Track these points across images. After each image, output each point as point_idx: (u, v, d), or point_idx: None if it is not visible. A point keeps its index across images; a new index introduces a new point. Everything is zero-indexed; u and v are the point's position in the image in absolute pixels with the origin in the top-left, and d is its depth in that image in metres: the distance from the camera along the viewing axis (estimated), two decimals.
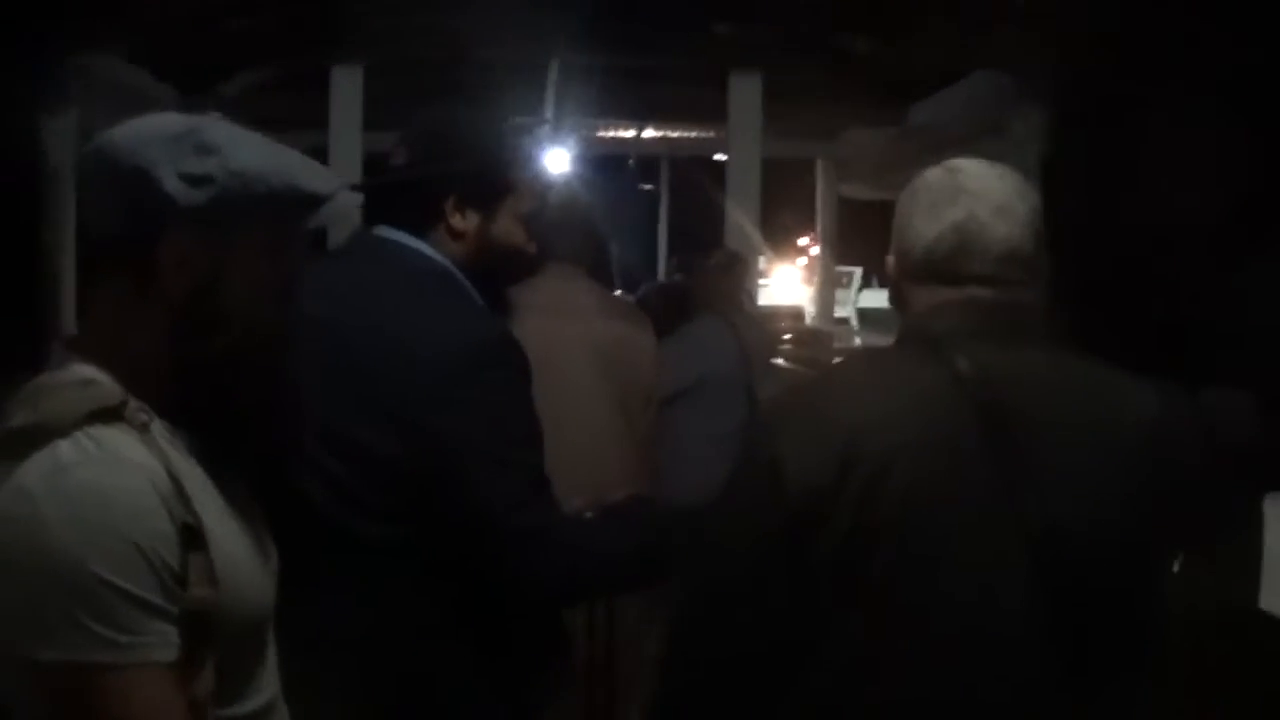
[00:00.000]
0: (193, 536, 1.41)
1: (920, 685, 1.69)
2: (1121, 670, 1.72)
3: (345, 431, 2.05)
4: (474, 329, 2.18)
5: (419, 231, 2.25)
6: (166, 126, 1.51)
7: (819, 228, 11.70)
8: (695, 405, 4.89)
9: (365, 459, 2.06)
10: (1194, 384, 1.99)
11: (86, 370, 1.47)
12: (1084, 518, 1.69)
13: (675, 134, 10.72)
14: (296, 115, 6.74)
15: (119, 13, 5.84)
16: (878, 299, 27.22)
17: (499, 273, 2.34)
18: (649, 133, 10.54)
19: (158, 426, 1.47)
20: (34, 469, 1.37)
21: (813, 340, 11.34)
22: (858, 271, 26.55)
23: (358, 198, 1.71)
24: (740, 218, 6.78)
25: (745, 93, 6.86)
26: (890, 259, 1.92)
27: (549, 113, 7.83)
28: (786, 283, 28.22)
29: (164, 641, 1.38)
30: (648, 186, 12.72)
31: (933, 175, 1.89)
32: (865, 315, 24.92)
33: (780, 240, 26.57)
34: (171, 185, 1.46)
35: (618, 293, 5.78)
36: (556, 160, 8.49)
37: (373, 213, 2.26)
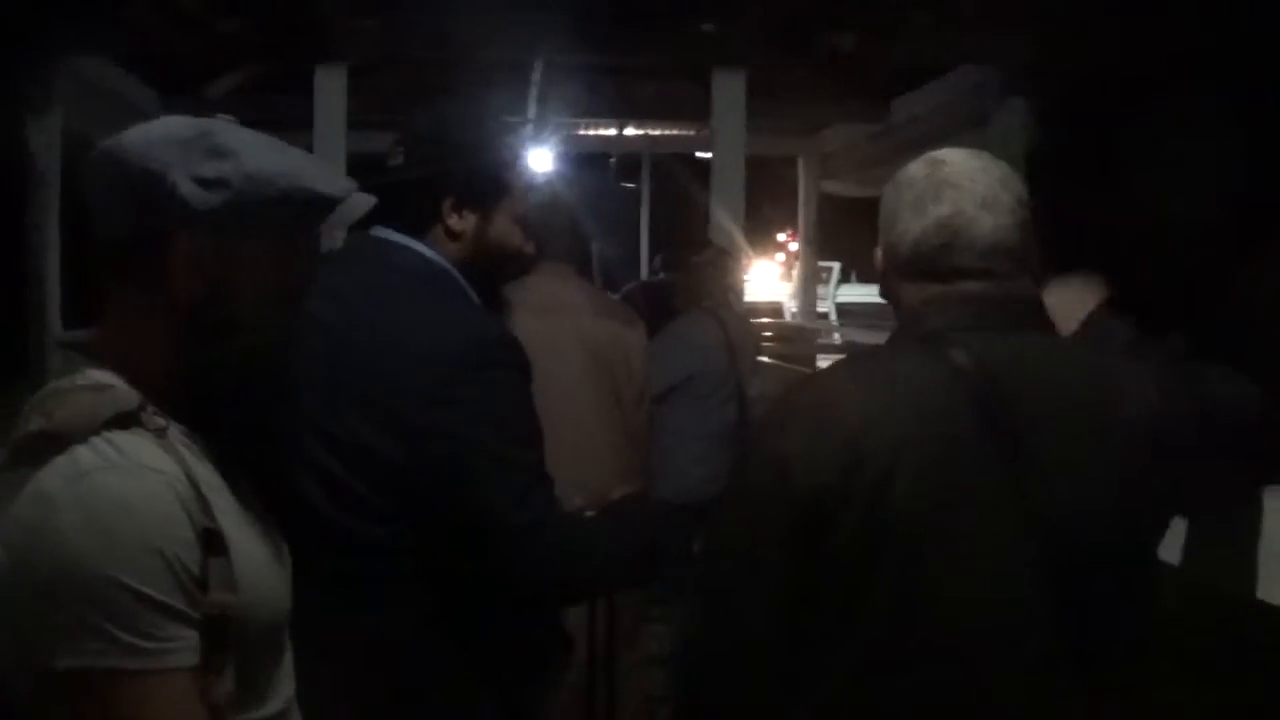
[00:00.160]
0: (213, 541, 1.40)
1: (931, 677, 1.69)
2: (1124, 654, 1.74)
3: (345, 432, 2.05)
4: (474, 329, 2.18)
5: (416, 232, 2.24)
6: (178, 130, 1.50)
7: (801, 224, 11.71)
8: (684, 402, 4.90)
9: (366, 459, 2.05)
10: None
11: (100, 374, 1.47)
12: (1087, 504, 1.70)
13: (657, 132, 10.71)
14: (280, 116, 6.73)
15: (103, 16, 5.82)
16: (855, 294, 27.27)
17: (496, 273, 2.34)
18: (630, 131, 10.53)
19: (174, 431, 1.46)
20: (53, 475, 1.36)
21: (797, 336, 11.34)
22: (836, 266, 26.58)
23: (370, 199, 1.70)
24: (725, 215, 6.78)
25: (729, 90, 6.84)
26: (878, 253, 1.91)
27: (532, 112, 7.83)
28: (765, 278, 28.23)
29: (185, 647, 1.37)
30: (630, 185, 12.69)
31: (916, 169, 1.88)
32: (844, 310, 24.96)
33: (759, 236, 26.61)
34: (186, 189, 1.45)
35: None
36: (539, 159, 8.49)
37: (370, 214, 2.26)
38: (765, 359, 8.50)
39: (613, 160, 11.66)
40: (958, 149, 1.91)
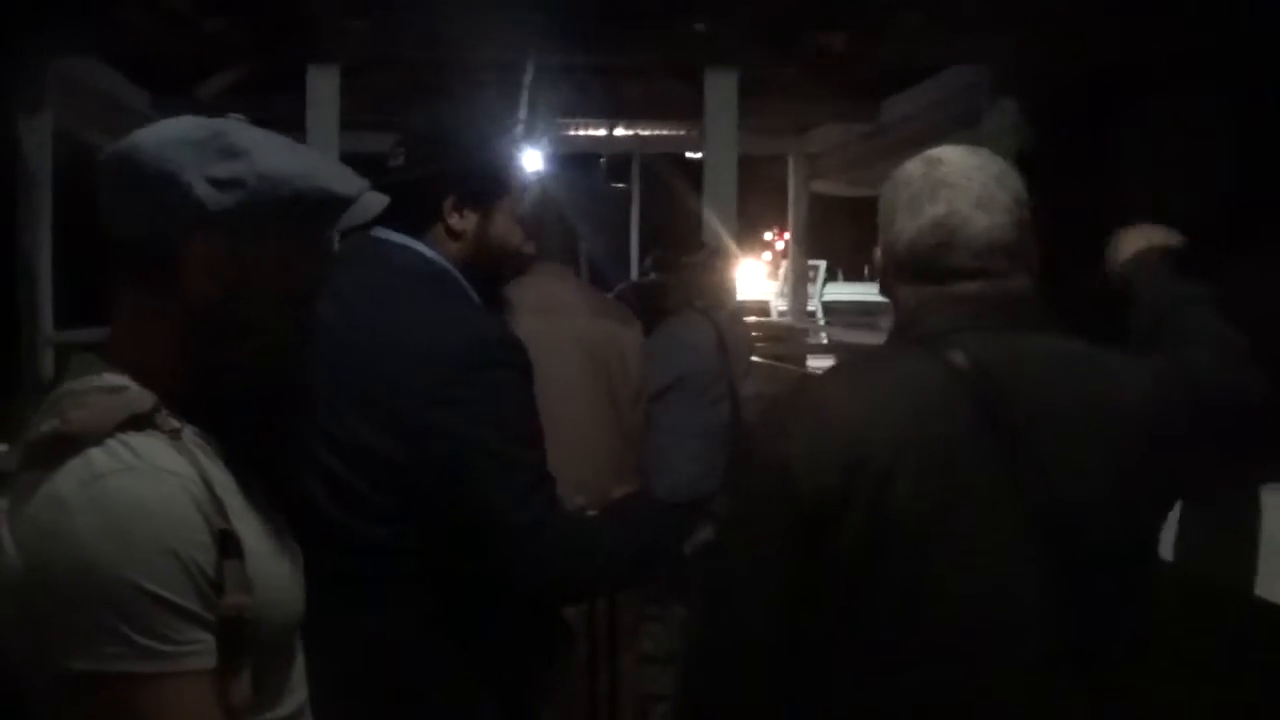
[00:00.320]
0: (228, 543, 1.40)
1: (933, 676, 1.69)
2: (1124, 652, 1.74)
3: (346, 432, 2.05)
4: (474, 328, 2.17)
5: (416, 232, 2.24)
6: (191, 130, 1.49)
7: (791, 224, 11.71)
8: (677, 401, 4.90)
9: (367, 459, 2.05)
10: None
11: (112, 376, 1.46)
12: (1086, 500, 1.70)
13: (647, 132, 10.71)
14: (273, 116, 6.72)
15: (94, 17, 5.82)
16: (841, 292, 27.29)
17: (496, 272, 2.34)
18: (620, 131, 10.53)
19: (188, 432, 1.46)
20: (69, 477, 1.35)
21: (787, 335, 11.35)
22: (822, 265, 26.58)
23: (382, 199, 1.70)
24: (716, 215, 6.78)
25: (721, 90, 6.84)
26: (878, 252, 1.92)
27: (523, 112, 7.82)
28: (752, 277, 28.26)
29: (202, 650, 1.37)
30: (620, 185, 12.68)
31: (913, 168, 1.88)
32: (829, 308, 24.97)
33: (746, 234, 26.64)
34: (201, 190, 1.45)
35: None
36: (530, 159, 8.48)
37: None
38: (756, 358, 8.51)
39: (603, 160, 11.65)
40: (955, 147, 1.91)
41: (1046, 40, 5.99)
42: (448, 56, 6.85)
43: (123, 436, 1.39)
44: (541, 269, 3.25)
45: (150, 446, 1.40)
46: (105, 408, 1.40)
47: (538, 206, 3.34)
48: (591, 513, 2.35)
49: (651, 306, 5.35)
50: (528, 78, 7.70)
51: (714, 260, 5.55)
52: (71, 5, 5.72)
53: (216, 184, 1.46)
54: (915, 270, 1.84)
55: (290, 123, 6.76)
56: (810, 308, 19.64)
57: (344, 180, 1.57)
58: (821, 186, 11.24)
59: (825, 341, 14.31)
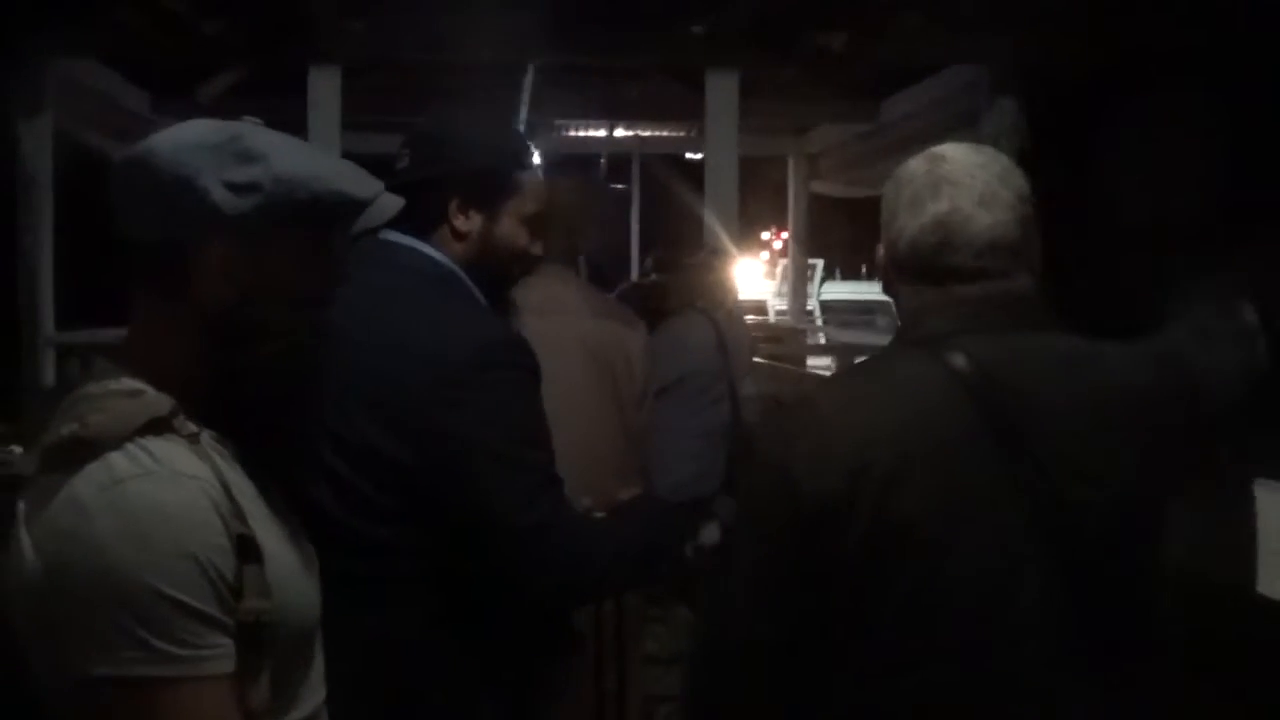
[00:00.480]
0: (247, 547, 1.40)
1: (938, 678, 1.69)
2: (1130, 652, 1.75)
3: (352, 433, 2.05)
4: (481, 330, 2.18)
5: (422, 234, 2.25)
6: (206, 134, 1.49)
7: (790, 224, 11.70)
8: (677, 401, 4.90)
9: (372, 460, 2.05)
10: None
11: (130, 380, 1.46)
12: (1089, 498, 1.70)
13: (647, 133, 10.71)
14: (273, 118, 6.71)
15: (93, 19, 5.82)
16: (838, 291, 27.27)
17: (502, 273, 2.34)
18: (620, 132, 10.53)
19: (206, 436, 1.46)
20: (88, 482, 1.35)
21: (787, 336, 11.33)
22: (819, 264, 26.55)
23: (399, 201, 1.69)
24: (717, 216, 6.78)
25: (722, 91, 6.83)
26: (880, 250, 1.91)
27: (524, 113, 7.82)
28: (749, 277, 28.24)
29: (222, 654, 1.37)
30: (619, 186, 12.70)
31: (915, 166, 1.87)
32: (827, 307, 24.95)
33: (743, 234, 26.58)
34: (217, 194, 1.45)
35: None
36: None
37: None
38: (757, 359, 8.51)
39: (602, 161, 11.66)
40: (958, 145, 1.90)
41: (1046, 40, 5.99)
42: (448, 58, 6.84)
43: (142, 441, 1.38)
44: (543, 270, 3.25)
45: (169, 451, 1.40)
46: (123, 412, 1.40)
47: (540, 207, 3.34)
48: (598, 515, 2.35)
49: (652, 307, 5.35)
50: (528, 79, 7.71)
51: (714, 260, 5.55)
52: (71, 6, 5.72)
53: (233, 188, 1.46)
54: (916, 270, 1.83)
55: (291, 124, 6.74)
56: (809, 306, 19.65)
57: (360, 183, 1.57)
58: (819, 187, 11.23)
59: (824, 342, 14.29)
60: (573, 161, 11.25)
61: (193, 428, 1.44)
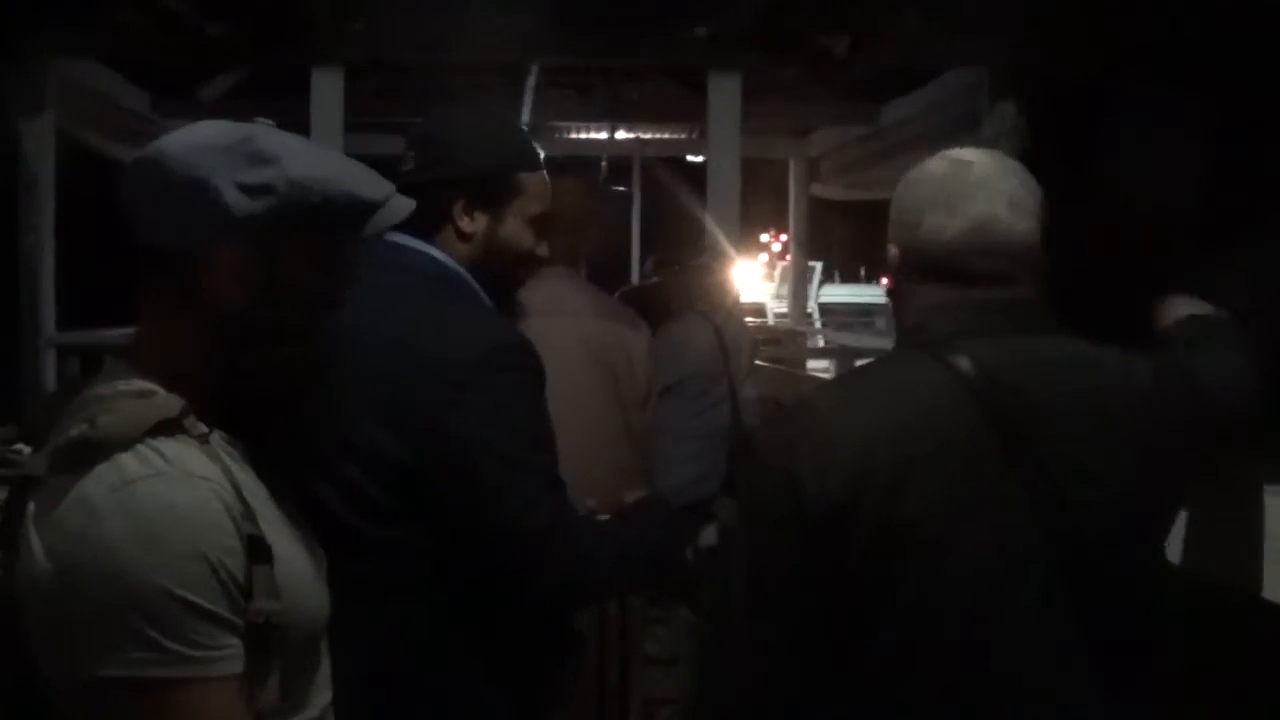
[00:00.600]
0: (257, 548, 1.40)
1: (943, 679, 1.70)
2: (1133, 654, 1.75)
3: (357, 434, 2.05)
4: (486, 331, 2.18)
5: (427, 235, 2.25)
6: (219, 136, 1.49)
7: (791, 227, 11.70)
8: (676, 403, 4.90)
9: (378, 462, 2.05)
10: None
11: (140, 381, 1.46)
12: (1093, 503, 1.71)
13: (648, 135, 10.70)
14: (274, 118, 6.71)
15: (94, 19, 5.81)
16: (837, 294, 27.30)
17: (507, 275, 2.34)
18: (621, 134, 10.52)
19: (216, 437, 1.46)
20: (98, 483, 1.35)
21: (787, 339, 11.33)
22: (818, 266, 26.59)
23: (409, 203, 1.69)
24: (719, 218, 6.76)
25: (725, 94, 6.82)
26: (893, 253, 1.90)
27: (526, 115, 7.82)
28: (748, 279, 28.26)
29: (231, 655, 1.37)
30: (621, 188, 12.69)
31: (937, 166, 1.87)
32: (825, 309, 24.98)
33: (743, 237, 26.61)
34: (230, 196, 1.45)
35: None
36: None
37: None
38: (759, 361, 8.51)
39: (603, 163, 11.64)
40: (972, 149, 1.90)
41: (1046, 42, 5.99)
42: (449, 59, 6.84)
43: (152, 441, 1.39)
44: (546, 272, 3.26)
45: (180, 451, 1.40)
46: (134, 413, 1.40)
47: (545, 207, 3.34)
48: (602, 517, 2.35)
49: (653, 309, 5.35)
50: (530, 81, 7.70)
51: (714, 263, 5.55)
52: (73, 7, 5.71)
53: (246, 190, 1.46)
54: (939, 271, 1.83)
55: (293, 125, 6.74)
56: (809, 309, 19.66)
57: (372, 185, 1.57)
58: (818, 190, 11.21)
59: (823, 344, 14.28)
60: (574, 163, 11.25)
61: (203, 429, 1.44)
